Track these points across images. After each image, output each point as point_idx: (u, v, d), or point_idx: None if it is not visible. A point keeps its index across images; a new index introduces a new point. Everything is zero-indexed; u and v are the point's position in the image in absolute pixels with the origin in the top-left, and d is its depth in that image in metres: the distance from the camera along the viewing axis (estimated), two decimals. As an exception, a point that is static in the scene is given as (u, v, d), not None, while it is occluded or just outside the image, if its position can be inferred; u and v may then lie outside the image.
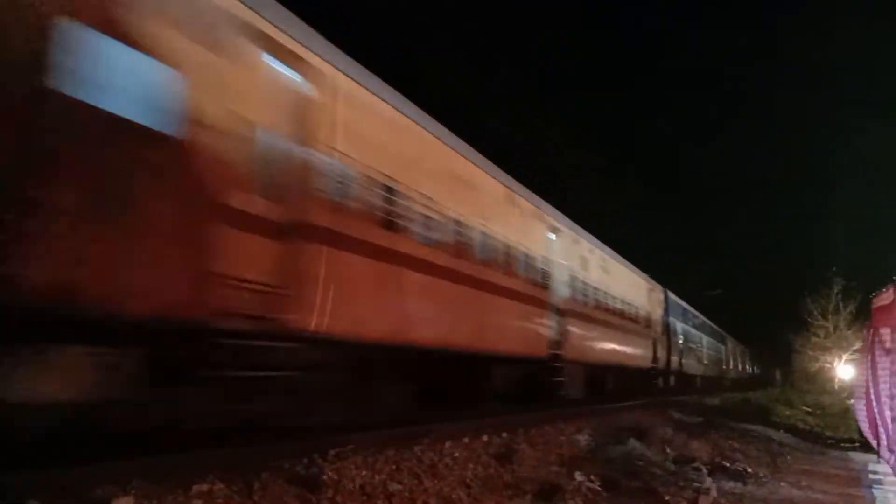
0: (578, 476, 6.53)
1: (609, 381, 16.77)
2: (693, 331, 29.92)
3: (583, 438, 9.08)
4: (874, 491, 7.96)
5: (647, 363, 20.45)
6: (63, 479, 3.89)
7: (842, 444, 14.32)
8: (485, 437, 7.61)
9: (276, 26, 5.88)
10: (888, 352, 8.73)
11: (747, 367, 55.28)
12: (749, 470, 8.43)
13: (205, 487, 4.16)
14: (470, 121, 10.19)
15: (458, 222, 8.84)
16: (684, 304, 28.70)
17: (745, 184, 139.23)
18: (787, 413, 22.07)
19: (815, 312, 40.87)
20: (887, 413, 10.34)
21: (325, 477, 4.87)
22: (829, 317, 40.14)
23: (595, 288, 15.25)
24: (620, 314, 17.58)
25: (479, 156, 10.18)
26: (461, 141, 9.53)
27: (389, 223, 7.27)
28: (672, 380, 24.05)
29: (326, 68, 6.48)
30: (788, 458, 10.97)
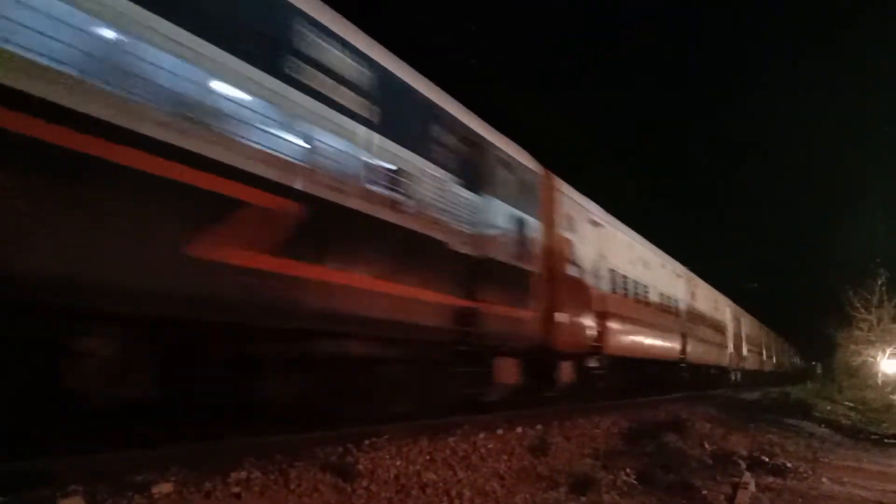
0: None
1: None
2: None
3: (618, 431, 9.00)
4: (920, 488, 7.74)
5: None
6: (104, 465, 4.00)
7: (885, 441, 13.98)
8: (519, 430, 7.59)
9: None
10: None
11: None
12: (789, 465, 8.26)
13: (242, 475, 4.23)
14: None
15: None
16: None
17: (786, 174, 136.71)
18: (829, 408, 21.61)
19: (859, 305, 39.83)
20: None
21: (359, 466, 4.91)
22: (873, 310, 39.08)
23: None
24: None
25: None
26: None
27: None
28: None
29: None
30: (830, 453, 10.74)
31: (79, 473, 3.70)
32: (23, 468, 3.67)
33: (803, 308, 62.29)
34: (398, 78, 7.66)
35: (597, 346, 13.13)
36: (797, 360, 65.41)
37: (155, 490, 3.70)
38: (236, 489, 4.01)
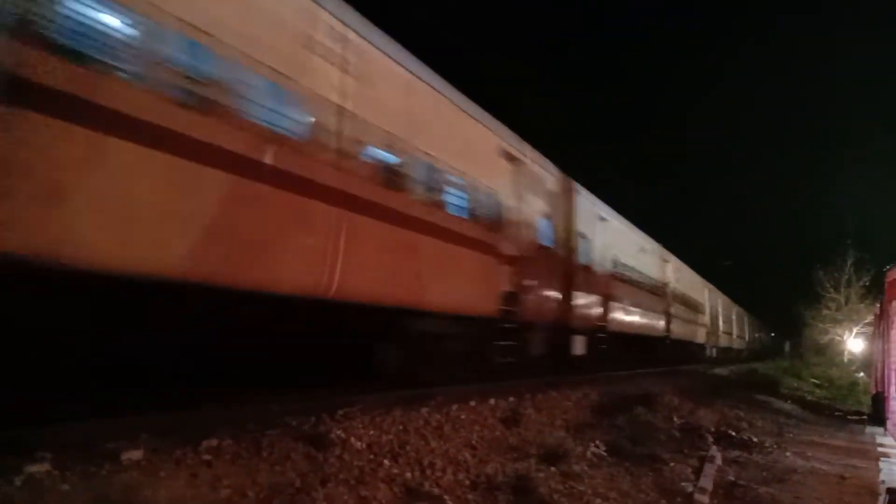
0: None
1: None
2: None
3: (589, 404, 9.11)
4: (880, 464, 7.95)
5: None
6: (73, 432, 3.95)
7: (849, 417, 14.35)
8: (491, 401, 7.64)
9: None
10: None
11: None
12: (755, 439, 8.45)
13: (214, 443, 4.21)
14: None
15: None
16: None
17: (759, 154, 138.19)
18: (795, 385, 22.09)
19: (828, 285, 40.54)
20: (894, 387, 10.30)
21: (332, 436, 4.91)
22: (842, 289, 39.81)
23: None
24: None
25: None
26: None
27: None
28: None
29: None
30: (795, 428, 11.00)
31: (47, 441, 3.64)
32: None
33: (773, 286, 63.48)
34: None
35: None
36: (766, 336, 66.76)
37: (125, 457, 3.67)
38: (207, 457, 3.99)
